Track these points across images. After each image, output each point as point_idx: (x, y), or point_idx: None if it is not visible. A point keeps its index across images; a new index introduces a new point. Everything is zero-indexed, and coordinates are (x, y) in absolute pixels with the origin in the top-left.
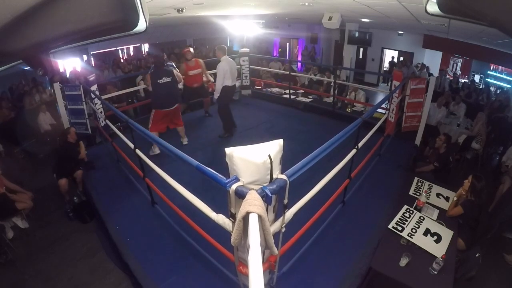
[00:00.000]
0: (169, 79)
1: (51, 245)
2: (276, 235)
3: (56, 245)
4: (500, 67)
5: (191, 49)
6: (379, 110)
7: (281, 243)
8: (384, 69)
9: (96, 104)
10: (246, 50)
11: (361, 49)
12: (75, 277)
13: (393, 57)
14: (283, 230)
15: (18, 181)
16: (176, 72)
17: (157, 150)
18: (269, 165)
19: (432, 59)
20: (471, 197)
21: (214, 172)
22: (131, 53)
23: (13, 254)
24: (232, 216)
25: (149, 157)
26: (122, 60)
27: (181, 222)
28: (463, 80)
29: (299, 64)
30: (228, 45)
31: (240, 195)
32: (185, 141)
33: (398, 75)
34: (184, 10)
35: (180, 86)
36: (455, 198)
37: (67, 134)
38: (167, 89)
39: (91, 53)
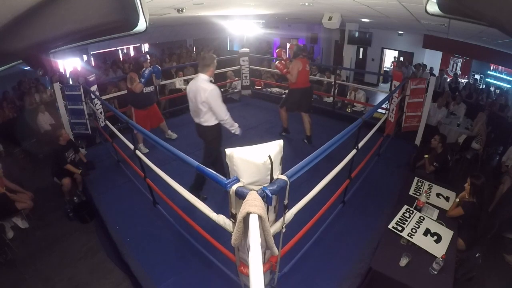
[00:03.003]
0: None
1: (51, 245)
2: (276, 235)
3: (56, 245)
4: (500, 67)
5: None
6: (379, 110)
7: (281, 243)
8: (385, 69)
9: (96, 104)
10: (246, 50)
11: (361, 49)
12: (75, 277)
13: (395, 57)
14: (284, 230)
15: (18, 181)
16: (129, 77)
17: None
18: (270, 165)
19: (432, 59)
20: (473, 199)
21: (215, 172)
22: (131, 53)
23: (13, 254)
24: (232, 217)
25: (149, 157)
26: (121, 60)
27: (181, 222)
28: (463, 80)
29: None
30: (228, 45)
31: (241, 195)
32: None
33: (398, 75)
34: (184, 10)
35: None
36: (457, 200)
37: (59, 137)
38: None
39: (91, 53)
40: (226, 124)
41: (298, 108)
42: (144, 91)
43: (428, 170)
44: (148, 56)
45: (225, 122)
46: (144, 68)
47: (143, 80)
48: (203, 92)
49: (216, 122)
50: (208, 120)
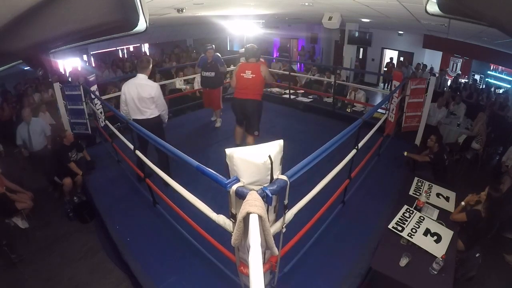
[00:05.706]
0: None
1: (51, 245)
2: (276, 235)
3: (56, 245)
4: (500, 67)
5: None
6: (379, 110)
7: (281, 243)
8: (385, 69)
9: (96, 104)
10: None
11: (361, 49)
12: (75, 277)
13: (391, 58)
14: (284, 230)
15: (18, 181)
16: None
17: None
18: (270, 165)
19: (432, 59)
20: (481, 208)
21: (215, 172)
22: (131, 53)
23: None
24: (232, 217)
25: (149, 158)
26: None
27: (181, 222)
28: (463, 80)
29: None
30: (228, 45)
31: (241, 195)
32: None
33: (398, 75)
34: (184, 10)
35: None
36: (463, 203)
37: (63, 137)
38: None
39: (91, 53)
40: (164, 114)
41: (243, 123)
42: (203, 74)
43: (422, 159)
44: (213, 46)
45: (165, 111)
46: (202, 55)
47: (197, 65)
48: (151, 89)
49: (158, 113)
50: (154, 113)
